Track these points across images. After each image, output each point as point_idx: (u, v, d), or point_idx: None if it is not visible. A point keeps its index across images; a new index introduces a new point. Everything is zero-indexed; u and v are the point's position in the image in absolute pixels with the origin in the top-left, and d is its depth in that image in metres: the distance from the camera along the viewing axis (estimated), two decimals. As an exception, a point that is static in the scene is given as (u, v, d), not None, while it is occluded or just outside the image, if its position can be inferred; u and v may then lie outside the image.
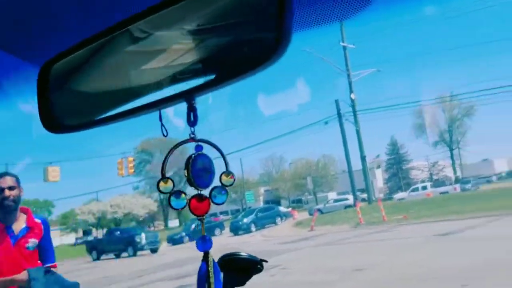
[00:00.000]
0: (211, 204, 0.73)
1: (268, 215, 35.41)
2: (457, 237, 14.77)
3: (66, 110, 0.87)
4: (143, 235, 29.11)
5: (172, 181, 0.72)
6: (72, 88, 0.87)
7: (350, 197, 38.89)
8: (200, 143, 0.73)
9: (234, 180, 0.75)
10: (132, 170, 28.65)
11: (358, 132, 30.85)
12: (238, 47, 0.70)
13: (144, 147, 66.50)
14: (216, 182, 0.76)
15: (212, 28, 0.72)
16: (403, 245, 14.41)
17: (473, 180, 49.38)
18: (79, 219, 52.88)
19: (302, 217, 36.39)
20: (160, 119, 0.75)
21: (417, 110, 59.50)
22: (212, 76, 0.71)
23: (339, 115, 30.48)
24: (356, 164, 37.47)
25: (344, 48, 29.82)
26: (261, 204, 57.46)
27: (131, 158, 28.59)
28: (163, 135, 0.76)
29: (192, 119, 0.72)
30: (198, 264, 0.79)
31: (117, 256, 29.64)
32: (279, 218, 35.88)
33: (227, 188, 0.75)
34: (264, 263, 1.05)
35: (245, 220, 33.98)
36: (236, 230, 32.94)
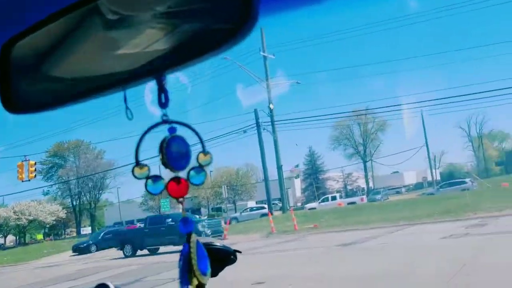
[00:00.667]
0: (190, 185, 0.70)
1: (181, 224, 34.42)
2: (360, 247, 15.06)
3: (29, 90, 0.84)
4: (205, 222, 24.80)
5: (148, 166, 0.69)
6: (35, 67, 0.83)
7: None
8: (173, 124, 0.69)
9: (212, 159, 0.71)
10: (33, 175, 26.61)
11: (275, 142, 31.03)
12: (209, 23, 0.70)
13: (56, 151, 63.24)
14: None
15: (183, 5, 0.70)
16: (308, 256, 14.44)
17: (383, 191, 51.71)
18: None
19: (219, 225, 35.96)
20: (125, 101, 0.71)
21: (334, 123, 61.58)
22: (183, 53, 0.71)
23: (258, 124, 30.47)
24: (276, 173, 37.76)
25: (264, 57, 29.86)
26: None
27: (32, 162, 26.56)
28: (128, 118, 0.71)
29: (163, 100, 0.68)
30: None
31: (154, 251, 23.67)
32: (193, 227, 35.04)
33: (204, 168, 0.71)
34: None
35: (156, 228, 32.79)
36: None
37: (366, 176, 65.08)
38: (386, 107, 59.33)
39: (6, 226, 50.68)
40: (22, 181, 26.50)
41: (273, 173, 40.41)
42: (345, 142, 66.51)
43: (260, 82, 30.33)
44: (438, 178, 62.98)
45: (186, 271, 0.70)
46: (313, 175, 63.52)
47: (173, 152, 0.68)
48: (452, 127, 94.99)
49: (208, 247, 0.94)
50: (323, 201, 46.78)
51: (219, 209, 64.50)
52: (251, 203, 56.54)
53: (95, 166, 61.29)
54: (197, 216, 36.17)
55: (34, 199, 54.39)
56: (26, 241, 54.23)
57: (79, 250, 32.51)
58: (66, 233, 66.83)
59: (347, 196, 55.74)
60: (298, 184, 65.74)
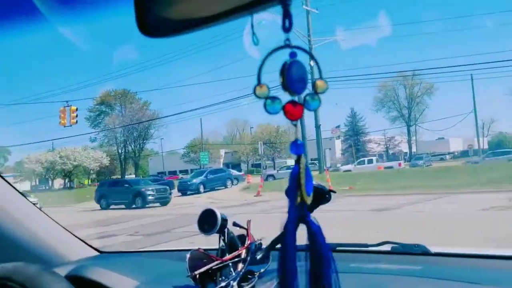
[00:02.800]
0: (304, 110, 0.70)
1: (218, 177, 34.81)
2: (394, 213, 14.59)
3: (163, 13, 0.80)
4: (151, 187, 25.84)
5: (267, 86, 0.69)
6: None
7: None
8: (294, 49, 0.70)
9: (327, 87, 0.72)
10: (75, 120, 27.23)
11: (314, 100, 30.26)
12: None
13: (104, 99, 64.89)
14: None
15: None
16: (339, 219, 14.10)
17: (426, 156, 50.16)
18: (26, 168, 51.22)
19: (257, 181, 36.09)
20: (252, 26, 0.71)
21: (379, 83, 59.56)
22: None
23: (298, 81, 29.67)
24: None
25: (307, 12, 28.65)
26: (221, 166, 57.27)
27: (74, 108, 27.17)
28: (254, 43, 0.71)
29: (287, 25, 0.69)
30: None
31: None
32: (229, 181, 35.39)
33: (319, 95, 0.71)
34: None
35: (194, 180, 33.34)
36: (184, 190, 32.33)
37: (409, 141, 63.31)
38: (434, 68, 56.35)
39: (53, 170, 52.86)
40: (64, 126, 27.22)
41: (313, 133, 39.86)
42: (389, 105, 64.52)
43: (302, 38, 29.29)
44: (486, 146, 60.48)
45: (295, 190, 0.72)
46: (354, 137, 62.42)
47: (293, 76, 0.69)
48: (503, 94, 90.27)
49: None
50: (359, 163, 45.92)
51: (258, 165, 64.96)
52: (291, 162, 56.42)
53: (140, 116, 62.54)
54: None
55: (83, 144, 56.49)
56: (74, 185, 56.56)
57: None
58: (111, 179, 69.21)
59: (388, 160, 54.57)
60: (338, 145, 64.92)
